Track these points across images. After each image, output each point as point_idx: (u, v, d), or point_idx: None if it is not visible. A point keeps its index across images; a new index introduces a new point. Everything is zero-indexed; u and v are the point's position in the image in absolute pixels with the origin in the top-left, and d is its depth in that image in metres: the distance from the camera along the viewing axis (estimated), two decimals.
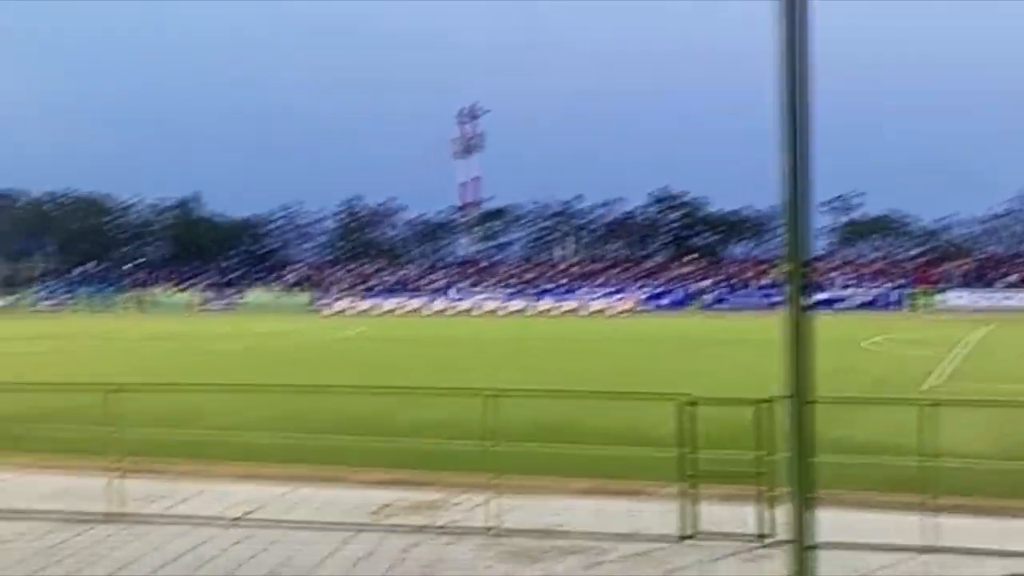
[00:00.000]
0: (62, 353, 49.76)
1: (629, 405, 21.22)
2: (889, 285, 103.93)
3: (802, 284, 2.74)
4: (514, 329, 70.19)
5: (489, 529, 14.69)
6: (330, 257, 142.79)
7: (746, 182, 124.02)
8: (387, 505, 16.47)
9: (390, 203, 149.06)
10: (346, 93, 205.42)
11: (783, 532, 12.30)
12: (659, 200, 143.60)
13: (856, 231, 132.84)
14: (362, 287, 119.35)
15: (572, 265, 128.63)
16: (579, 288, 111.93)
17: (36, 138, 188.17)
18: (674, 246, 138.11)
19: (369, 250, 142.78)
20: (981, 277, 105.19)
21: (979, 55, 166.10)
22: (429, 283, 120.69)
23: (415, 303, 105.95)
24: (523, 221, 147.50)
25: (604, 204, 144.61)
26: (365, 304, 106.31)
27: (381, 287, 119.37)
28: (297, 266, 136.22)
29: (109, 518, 15.68)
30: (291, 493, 17.54)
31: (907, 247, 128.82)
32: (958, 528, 14.01)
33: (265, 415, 22.99)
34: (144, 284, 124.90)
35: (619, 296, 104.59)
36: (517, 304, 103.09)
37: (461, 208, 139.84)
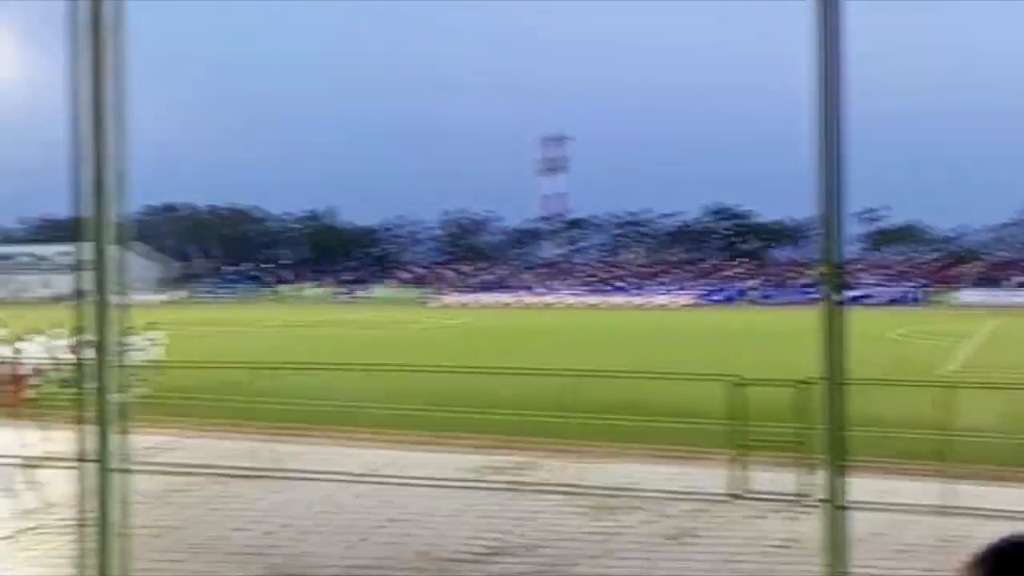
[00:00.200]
0: (218, 337, 50.69)
1: (687, 384, 21.06)
2: (911, 285, 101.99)
3: (836, 283, 2.72)
4: (590, 320, 69.99)
5: (571, 487, 14.69)
6: (437, 259, 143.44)
7: (787, 196, 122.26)
8: (487, 466, 16.55)
9: (487, 214, 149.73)
10: (450, 114, 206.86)
11: (818, 494, 12.13)
12: (713, 212, 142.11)
13: (883, 238, 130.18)
14: (464, 284, 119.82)
15: (639, 267, 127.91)
16: (645, 286, 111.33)
17: (197, 158, 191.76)
18: (726, 251, 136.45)
19: (470, 253, 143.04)
20: (991, 278, 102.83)
21: (990, 76, 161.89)
22: (520, 281, 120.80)
23: (508, 298, 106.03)
24: (598, 229, 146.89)
25: (666, 215, 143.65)
26: (466, 298, 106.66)
27: (480, 284, 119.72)
28: (410, 266, 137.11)
29: (258, 473, 15.96)
30: (404, 455, 17.69)
31: (927, 252, 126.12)
32: (972, 493, 13.76)
33: (384, 390, 23.19)
34: (285, 281, 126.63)
35: (679, 293, 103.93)
36: (593, 299, 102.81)
37: (546, 218, 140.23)
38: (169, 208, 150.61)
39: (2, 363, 21.40)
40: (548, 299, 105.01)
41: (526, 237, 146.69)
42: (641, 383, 22.80)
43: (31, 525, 13.19)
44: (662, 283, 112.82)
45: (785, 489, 14.00)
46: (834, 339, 2.88)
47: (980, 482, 14.62)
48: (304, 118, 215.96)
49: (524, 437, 18.22)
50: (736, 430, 14.58)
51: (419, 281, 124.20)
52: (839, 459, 2.74)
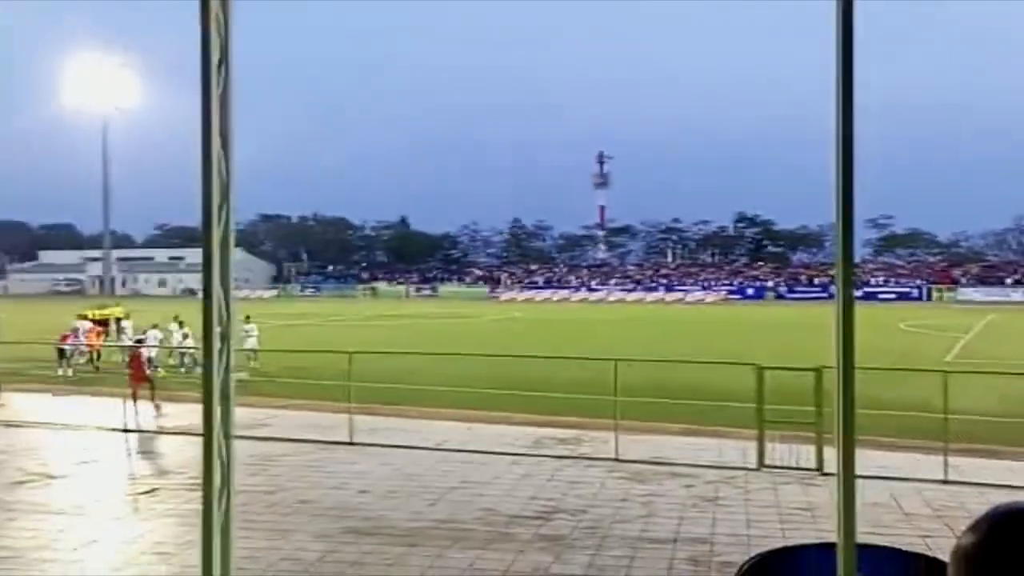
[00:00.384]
0: (312, 328, 51.31)
1: (717, 369, 20.90)
2: (917, 283, 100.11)
3: (850, 281, 2.67)
4: (634, 313, 69.73)
5: (614, 458, 14.65)
6: (501, 261, 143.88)
7: (804, 207, 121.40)
8: (541, 439, 16.56)
9: (543, 222, 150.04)
10: (509, 134, 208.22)
11: (832, 467, 12.00)
12: (739, 220, 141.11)
13: (891, 242, 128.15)
14: (525, 282, 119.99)
15: (676, 267, 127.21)
16: (681, 284, 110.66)
17: (294, 175, 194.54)
18: (752, 254, 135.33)
19: (529, 255, 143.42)
20: (988, 278, 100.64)
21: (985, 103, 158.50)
22: (573, 279, 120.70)
23: (562, 294, 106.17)
24: (640, 235, 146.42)
25: (699, 223, 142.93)
26: (527, 294, 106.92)
27: (538, 282, 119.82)
28: (477, 267, 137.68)
29: (345, 444, 16.12)
30: (470, 429, 17.77)
31: (930, 254, 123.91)
32: (969, 466, 13.52)
33: (457, 373, 23.29)
34: (371, 280, 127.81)
35: (710, 290, 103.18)
36: (636, 295, 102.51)
37: (597, 226, 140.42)
38: (270, 218, 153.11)
39: (130, 348, 21.82)
40: (597, 295, 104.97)
41: (578, 242, 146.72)
42: (676, 368, 22.66)
43: (156, 486, 13.44)
44: (695, 282, 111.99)
45: (802, 462, 13.86)
46: (847, 330, 2.81)
47: (975, 457, 14.37)
48: (385, 139, 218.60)
49: (574, 415, 18.21)
50: (760, 409, 14.46)
51: (486, 279, 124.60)
52: (850, 436, 2.68)
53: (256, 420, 17.93)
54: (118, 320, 37.71)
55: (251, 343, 27.18)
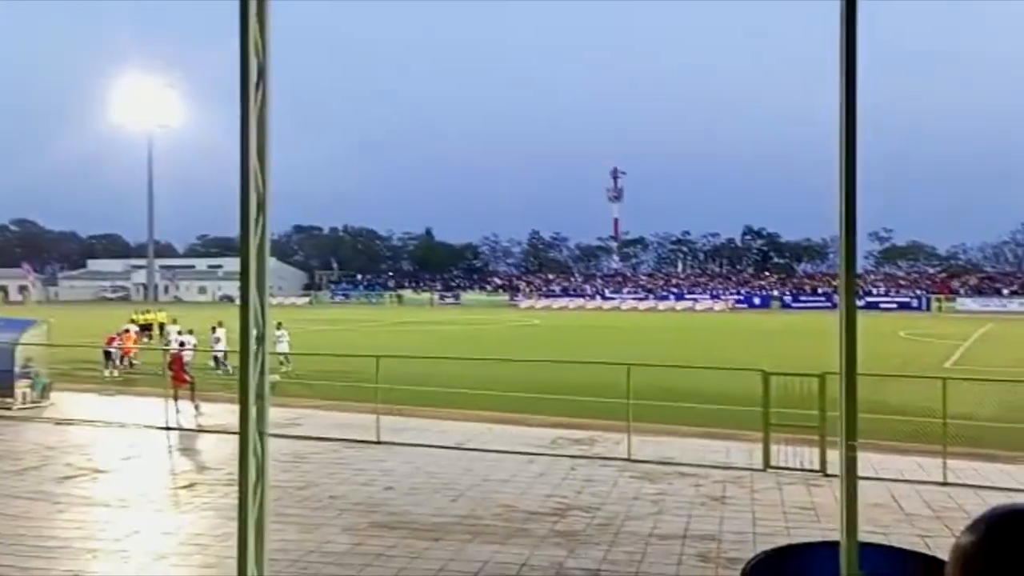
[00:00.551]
0: (346, 332, 51.42)
1: (725, 374, 20.78)
2: (917, 293, 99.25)
3: (852, 291, 2.64)
4: (646, 321, 69.51)
5: (626, 458, 14.59)
6: (520, 270, 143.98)
7: (810, 219, 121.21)
8: (557, 439, 16.52)
9: (560, 234, 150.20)
10: (527, 150, 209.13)
11: (836, 468, 11.93)
12: (747, 232, 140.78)
13: (892, 254, 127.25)
14: (542, 291, 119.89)
15: (686, 277, 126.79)
16: (691, 293, 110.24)
17: (329, 187, 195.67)
18: (758, 265, 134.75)
19: (546, 265, 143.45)
20: (985, 289, 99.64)
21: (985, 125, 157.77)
22: (588, 288, 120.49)
23: (578, 302, 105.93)
24: (652, 246, 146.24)
25: (708, 235, 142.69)
26: (544, 302, 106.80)
27: (555, 291, 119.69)
28: (498, 276, 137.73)
29: (372, 442, 16.14)
30: (490, 429, 17.74)
31: (929, 266, 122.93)
32: (967, 469, 13.38)
33: (478, 377, 23.27)
34: (397, 288, 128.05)
35: (719, 299, 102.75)
36: (648, 304, 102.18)
37: (611, 237, 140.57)
38: (303, 229, 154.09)
39: (174, 351, 21.95)
40: (611, 303, 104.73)
41: (593, 253, 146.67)
42: (686, 373, 22.54)
43: (195, 481, 13.51)
44: (704, 291, 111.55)
45: (806, 464, 13.75)
46: (850, 338, 2.79)
47: (973, 460, 14.21)
48: (410, 155, 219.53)
49: (588, 417, 18.16)
50: (766, 413, 14.36)
51: (506, 288, 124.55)
52: (852, 439, 2.65)
53: (288, 420, 17.99)
54: (161, 324, 38.00)
55: (282, 347, 27.29)
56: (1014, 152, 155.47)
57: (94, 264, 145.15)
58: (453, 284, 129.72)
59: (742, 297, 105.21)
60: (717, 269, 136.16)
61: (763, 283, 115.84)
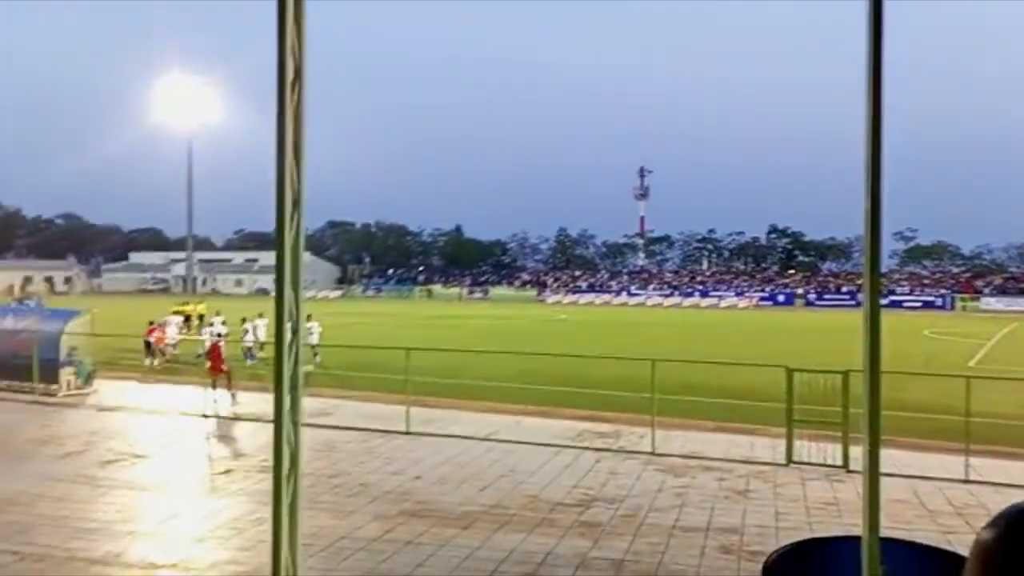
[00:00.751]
0: (376, 325, 51.67)
1: (749, 371, 20.64)
2: (941, 292, 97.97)
3: (877, 289, 2.61)
4: (671, 317, 69.23)
5: (650, 452, 14.55)
6: (548, 266, 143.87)
7: (834, 218, 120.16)
8: (583, 432, 16.50)
9: (587, 231, 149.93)
10: (556, 150, 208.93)
11: (858, 464, 11.81)
12: (771, 231, 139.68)
13: (917, 253, 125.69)
14: (569, 287, 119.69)
15: (711, 275, 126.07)
16: (716, 290, 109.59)
17: (362, 183, 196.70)
18: (783, 263, 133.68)
19: (573, 262, 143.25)
20: (1010, 289, 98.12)
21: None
22: (614, 284, 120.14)
23: (604, 298, 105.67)
24: (678, 244, 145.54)
25: (734, 233, 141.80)
26: (571, 298, 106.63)
27: (582, 287, 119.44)
28: (526, 272, 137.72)
29: (402, 432, 16.21)
30: (517, 422, 17.75)
31: (954, 265, 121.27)
32: (989, 467, 13.20)
33: (505, 370, 23.32)
34: (427, 283, 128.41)
35: (744, 296, 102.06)
36: (673, 300, 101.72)
37: (637, 235, 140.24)
38: (337, 224, 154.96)
39: (212, 341, 22.17)
40: (637, 299, 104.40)
41: (619, 250, 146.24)
42: (710, 369, 22.45)
43: (231, 467, 13.64)
44: (729, 288, 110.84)
45: (828, 459, 13.64)
46: (874, 336, 2.76)
47: (995, 458, 14.02)
48: (441, 155, 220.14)
49: (613, 411, 18.12)
50: (790, 409, 14.25)
51: (534, 284, 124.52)
52: (875, 435, 2.62)
53: (319, 410, 18.10)
54: (201, 316, 38.41)
55: (313, 340, 27.44)
56: None
57: (135, 257, 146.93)
58: (482, 279, 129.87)
59: (766, 295, 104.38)
60: (742, 267, 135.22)
61: (787, 281, 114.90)
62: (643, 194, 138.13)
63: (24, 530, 9.80)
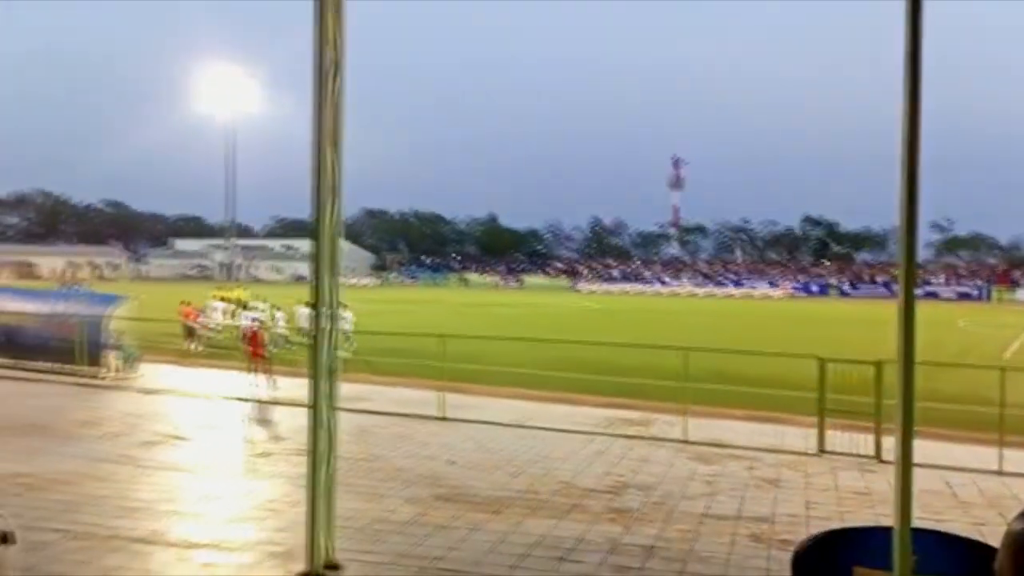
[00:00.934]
0: (411, 313, 51.97)
1: (781, 360, 20.45)
2: (977, 283, 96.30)
3: (912, 280, 2.56)
4: (704, 306, 68.82)
5: (682, 440, 14.49)
6: (581, 255, 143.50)
7: (869, 209, 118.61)
8: (614, 420, 16.47)
9: (621, 220, 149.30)
10: (590, 140, 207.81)
11: (890, 455, 11.67)
12: (805, 221, 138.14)
13: (953, 244, 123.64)
14: (603, 275, 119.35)
15: (745, 264, 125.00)
16: (749, 280, 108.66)
17: (399, 172, 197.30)
18: (817, 253, 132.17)
19: (607, 251, 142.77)
20: None
21: None
22: (647, 274, 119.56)
23: (638, 287, 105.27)
24: (711, 234, 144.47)
25: (767, 223, 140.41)
26: (604, 287, 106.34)
27: (615, 276, 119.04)
28: (560, 261, 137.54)
29: (435, 418, 16.29)
30: (549, 408, 17.76)
31: (990, 257, 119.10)
32: (1022, 458, 12.97)
33: (539, 357, 23.32)
34: (462, 270, 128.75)
35: (777, 286, 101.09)
36: (707, 290, 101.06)
37: (671, 224, 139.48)
38: (374, 213, 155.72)
39: (252, 327, 22.42)
40: (670, 288, 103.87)
41: (653, 239, 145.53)
42: (742, 358, 22.28)
43: (269, 450, 13.81)
44: (762, 278, 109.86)
45: (860, 450, 13.48)
46: (908, 327, 2.72)
47: None
48: (476, 144, 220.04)
49: (645, 399, 18.07)
50: (822, 398, 14.10)
51: (567, 272, 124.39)
52: (908, 426, 2.59)
53: (354, 395, 18.22)
54: (244, 303, 38.86)
55: (346, 327, 27.66)
56: None
57: (178, 243, 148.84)
58: (516, 268, 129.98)
59: (800, 285, 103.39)
60: (775, 257, 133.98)
61: (821, 271, 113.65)
62: (677, 184, 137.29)
63: (70, 509, 10.01)
